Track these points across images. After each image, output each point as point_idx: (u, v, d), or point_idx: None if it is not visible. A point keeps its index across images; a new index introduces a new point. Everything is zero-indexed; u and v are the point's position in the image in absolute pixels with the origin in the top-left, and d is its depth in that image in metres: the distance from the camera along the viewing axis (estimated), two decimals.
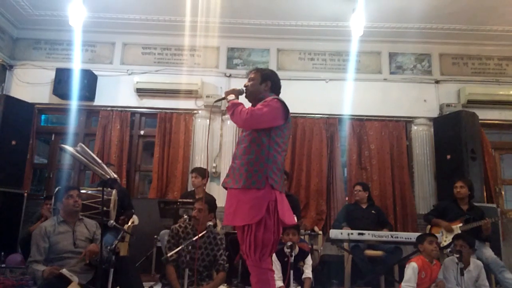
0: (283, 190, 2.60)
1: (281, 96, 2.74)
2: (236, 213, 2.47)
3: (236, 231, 2.83)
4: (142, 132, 6.52)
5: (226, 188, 2.62)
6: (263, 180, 2.47)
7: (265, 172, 2.48)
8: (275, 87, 2.77)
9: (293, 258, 3.49)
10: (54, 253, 3.11)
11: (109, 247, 3.00)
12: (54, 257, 3.10)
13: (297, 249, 3.84)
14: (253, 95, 2.73)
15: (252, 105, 2.71)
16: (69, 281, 2.83)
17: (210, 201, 3.62)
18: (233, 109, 2.59)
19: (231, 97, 2.68)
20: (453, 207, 4.63)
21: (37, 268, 2.95)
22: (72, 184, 3.51)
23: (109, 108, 6.32)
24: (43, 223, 3.33)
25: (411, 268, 3.51)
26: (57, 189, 3.92)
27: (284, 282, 3.66)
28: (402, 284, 3.49)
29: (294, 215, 3.07)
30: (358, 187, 5.15)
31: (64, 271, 2.87)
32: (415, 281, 3.46)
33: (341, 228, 4.58)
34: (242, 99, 2.74)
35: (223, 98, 2.75)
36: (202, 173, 5.07)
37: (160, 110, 6.30)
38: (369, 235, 4.05)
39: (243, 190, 2.48)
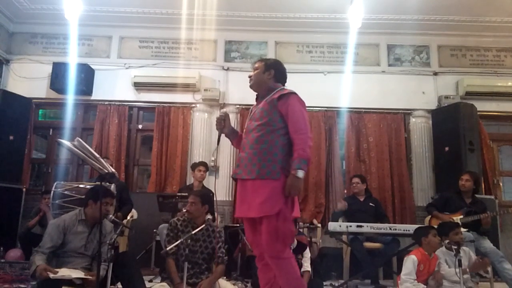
0: None
1: None
2: (252, 204, 2.40)
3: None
4: (140, 126, 6.50)
5: (235, 180, 2.56)
6: (278, 170, 2.42)
7: (280, 162, 2.44)
8: (280, 76, 2.74)
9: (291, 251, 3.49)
10: (63, 249, 3.04)
11: (108, 242, 2.99)
12: (60, 253, 3.03)
13: (295, 242, 3.85)
14: (257, 85, 2.70)
15: (259, 95, 2.70)
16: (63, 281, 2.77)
17: (204, 194, 3.61)
18: (307, 158, 2.40)
19: (301, 173, 2.38)
20: (457, 199, 4.61)
21: (36, 260, 2.84)
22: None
23: (106, 103, 6.29)
24: (65, 216, 3.17)
25: (411, 261, 3.47)
26: (55, 183, 3.93)
27: None
28: (402, 276, 3.46)
29: None
30: (356, 179, 5.15)
31: (56, 276, 2.76)
32: (415, 273, 3.46)
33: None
34: (246, 90, 2.75)
35: None
36: (207, 167, 5.35)
37: (158, 104, 6.28)
38: (367, 227, 4.05)
39: (258, 181, 2.41)
